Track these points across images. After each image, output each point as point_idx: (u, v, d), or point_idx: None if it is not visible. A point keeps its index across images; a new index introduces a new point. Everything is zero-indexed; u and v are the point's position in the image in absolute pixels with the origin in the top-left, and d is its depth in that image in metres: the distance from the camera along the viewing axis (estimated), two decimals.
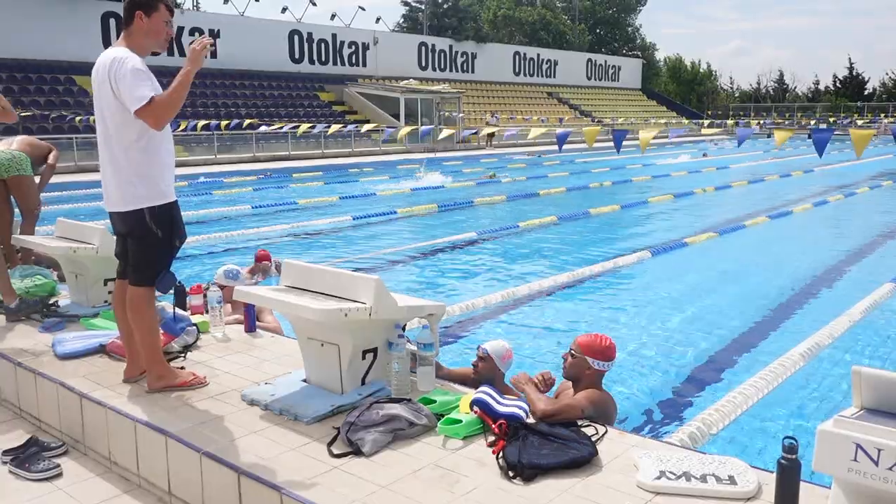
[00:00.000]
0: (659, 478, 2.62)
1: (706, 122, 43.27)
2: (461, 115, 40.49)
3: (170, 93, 3.32)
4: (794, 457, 2.36)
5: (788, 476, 2.38)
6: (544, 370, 3.89)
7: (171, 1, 3.63)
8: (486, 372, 3.96)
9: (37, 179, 6.48)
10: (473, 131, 18.64)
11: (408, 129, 15.23)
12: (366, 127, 18.56)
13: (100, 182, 3.72)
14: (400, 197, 17.73)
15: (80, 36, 29.73)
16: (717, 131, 45.72)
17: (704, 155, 32.41)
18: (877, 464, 2.11)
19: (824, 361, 5.92)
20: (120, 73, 3.31)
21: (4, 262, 5.05)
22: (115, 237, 3.85)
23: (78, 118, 24.12)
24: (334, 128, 13.92)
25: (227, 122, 20.53)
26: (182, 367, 3.92)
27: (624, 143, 7.22)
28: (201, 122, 18.61)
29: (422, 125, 31.90)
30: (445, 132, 13.29)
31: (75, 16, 30.44)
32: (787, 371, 5.37)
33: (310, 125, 16.65)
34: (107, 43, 29.92)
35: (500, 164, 26.31)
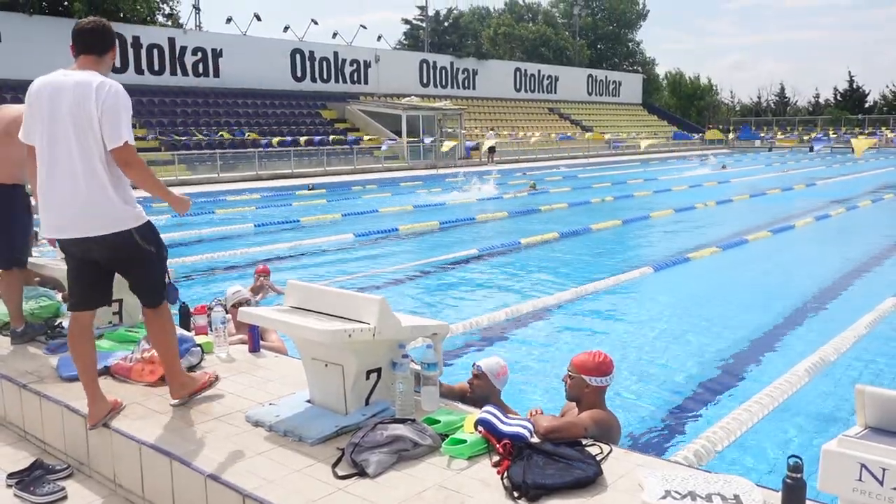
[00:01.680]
0: (664, 497, 2.61)
1: (708, 135, 43.44)
2: (463, 131, 40.67)
3: (149, 180, 3.50)
4: (799, 476, 2.35)
5: (794, 495, 2.37)
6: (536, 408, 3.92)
7: None
8: (482, 389, 3.99)
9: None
10: (474, 145, 18.82)
11: (407, 140, 15.31)
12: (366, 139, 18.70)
13: None
14: (402, 214, 17.77)
15: None
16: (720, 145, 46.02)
17: (723, 167, 32.66)
18: (882, 483, 2.11)
19: (829, 377, 5.91)
20: (109, 102, 3.34)
21: (21, 287, 5.05)
22: (67, 264, 3.66)
23: None
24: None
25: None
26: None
27: (628, 157, 7.27)
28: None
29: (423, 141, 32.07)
30: (448, 145, 13.49)
31: None
32: (791, 388, 5.36)
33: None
34: None
35: (503, 181, 26.34)
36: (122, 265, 3.60)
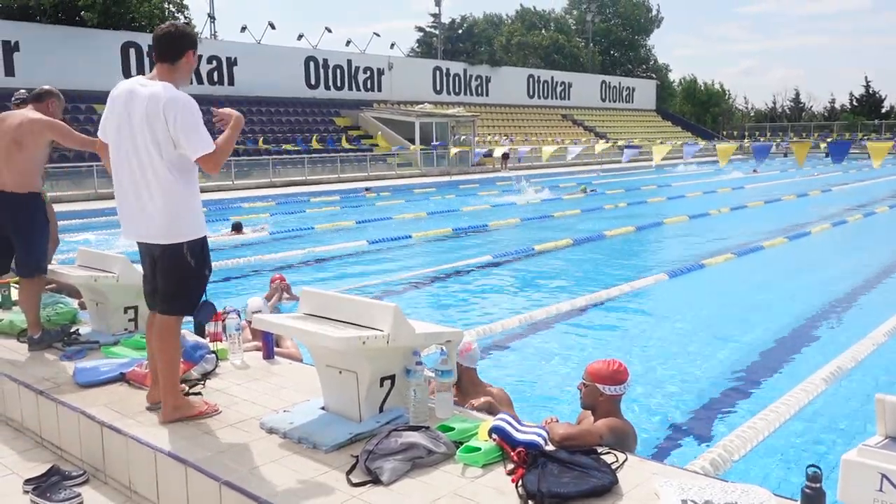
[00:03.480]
0: None
1: (721, 159, 43.11)
2: (475, 137, 40.72)
3: (224, 143, 3.48)
4: (818, 486, 2.32)
5: None
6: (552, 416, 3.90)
7: None
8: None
9: None
10: (485, 152, 18.91)
11: (418, 147, 15.36)
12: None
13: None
14: (416, 221, 17.79)
15: (101, 66, 30.31)
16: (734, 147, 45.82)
17: (755, 171, 32.49)
18: None
19: (847, 386, 5.84)
20: (182, 118, 3.35)
21: (39, 295, 5.09)
22: (139, 266, 3.80)
23: None
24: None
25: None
26: (199, 394, 3.94)
27: (643, 163, 7.25)
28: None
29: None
30: (453, 150, 13.60)
31: (96, 46, 31.09)
32: (809, 396, 5.30)
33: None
34: (126, 72, 30.45)
35: (553, 187, 26.27)
36: (161, 268, 3.60)
